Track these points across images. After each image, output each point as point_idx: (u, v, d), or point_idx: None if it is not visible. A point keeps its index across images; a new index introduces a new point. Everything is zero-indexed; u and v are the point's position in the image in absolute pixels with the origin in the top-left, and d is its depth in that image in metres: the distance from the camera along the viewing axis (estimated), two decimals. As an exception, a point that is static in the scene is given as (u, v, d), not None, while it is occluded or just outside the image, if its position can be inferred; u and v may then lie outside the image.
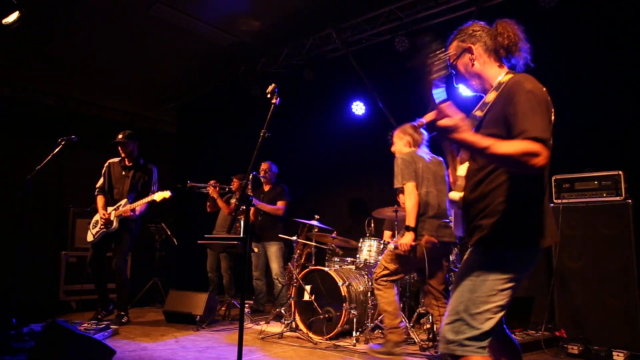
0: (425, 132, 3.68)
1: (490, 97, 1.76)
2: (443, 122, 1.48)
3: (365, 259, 4.45)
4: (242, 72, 6.82)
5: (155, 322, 4.83)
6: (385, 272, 3.41)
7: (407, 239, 3.27)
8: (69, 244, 5.90)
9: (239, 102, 7.12)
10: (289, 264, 4.89)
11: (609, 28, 4.21)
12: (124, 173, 4.86)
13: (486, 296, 1.65)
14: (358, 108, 6.18)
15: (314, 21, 5.62)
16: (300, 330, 4.31)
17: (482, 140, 1.50)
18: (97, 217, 4.80)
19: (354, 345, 3.90)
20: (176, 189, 5.38)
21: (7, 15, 4.57)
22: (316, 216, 4.77)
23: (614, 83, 4.19)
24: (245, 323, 4.76)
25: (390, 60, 5.61)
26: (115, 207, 4.74)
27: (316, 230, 4.74)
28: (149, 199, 4.64)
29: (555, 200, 3.92)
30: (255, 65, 6.64)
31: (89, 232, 4.78)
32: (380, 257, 3.91)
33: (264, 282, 5.77)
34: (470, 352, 1.63)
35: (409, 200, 3.32)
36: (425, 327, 4.25)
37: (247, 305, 5.33)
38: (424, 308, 4.41)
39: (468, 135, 1.50)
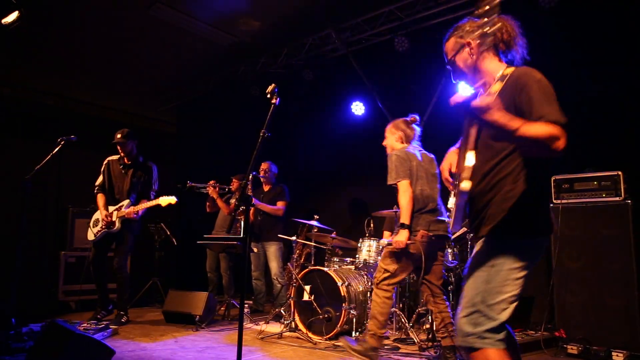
0: (417, 128, 3.67)
1: (496, 87, 1.78)
2: (478, 102, 1.48)
3: (365, 259, 4.45)
4: (241, 72, 6.82)
5: (155, 322, 4.82)
6: (386, 274, 3.34)
7: (402, 236, 3.25)
8: (68, 244, 5.88)
9: (239, 102, 7.12)
10: (289, 264, 4.89)
11: (609, 28, 4.21)
12: (123, 171, 4.84)
13: (501, 286, 1.66)
14: (358, 108, 6.18)
15: (313, 21, 5.62)
16: (300, 330, 4.31)
17: (513, 122, 1.51)
18: (97, 215, 4.79)
19: (354, 346, 3.89)
20: (176, 189, 5.38)
21: (6, 15, 4.56)
22: (316, 216, 4.77)
23: (614, 83, 4.19)
24: (244, 323, 4.76)
25: (390, 60, 5.61)
26: (117, 207, 4.72)
27: (316, 230, 4.74)
28: (154, 202, 4.62)
29: (554, 201, 3.92)
30: (255, 65, 6.64)
31: (89, 230, 4.77)
32: (380, 258, 3.90)
33: (263, 282, 5.77)
34: (489, 345, 1.63)
35: (404, 197, 3.31)
36: (424, 327, 4.26)
37: (246, 305, 5.33)
38: (423, 308, 4.41)
39: (500, 115, 1.50)
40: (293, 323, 4.36)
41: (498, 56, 1.88)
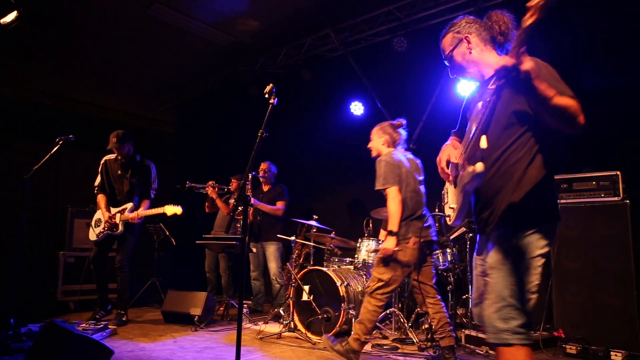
0: (403, 132, 3.66)
1: None
2: (527, 66, 1.47)
3: (364, 259, 4.45)
4: (240, 72, 6.82)
5: (154, 322, 4.82)
6: (380, 284, 3.28)
7: (390, 243, 3.23)
8: (66, 244, 5.88)
9: (238, 102, 7.12)
10: (288, 264, 4.89)
11: (608, 28, 4.21)
12: (120, 172, 4.82)
13: (526, 276, 1.65)
14: (356, 108, 6.17)
15: (312, 21, 5.62)
16: (299, 330, 4.31)
17: (549, 89, 1.53)
18: (98, 215, 4.77)
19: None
20: (175, 189, 5.37)
21: (4, 15, 4.56)
22: (315, 216, 4.77)
23: (613, 83, 4.19)
24: (243, 323, 4.78)
25: (389, 60, 5.61)
26: (120, 209, 4.71)
27: (315, 230, 4.75)
28: (159, 210, 4.62)
29: (553, 201, 3.92)
30: (254, 65, 6.63)
31: (91, 230, 4.76)
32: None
33: (262, 282, 5.77)
34: (524, 341, 1.61)
35: (392, 204, 3.29)
36: (423, 327, 4.26)
37: (245, 305, 5.33)
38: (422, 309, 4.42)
39: (540, 81, 1.52)
40: (292, 323, 4.36)
41: (495, 50, 1.90)
